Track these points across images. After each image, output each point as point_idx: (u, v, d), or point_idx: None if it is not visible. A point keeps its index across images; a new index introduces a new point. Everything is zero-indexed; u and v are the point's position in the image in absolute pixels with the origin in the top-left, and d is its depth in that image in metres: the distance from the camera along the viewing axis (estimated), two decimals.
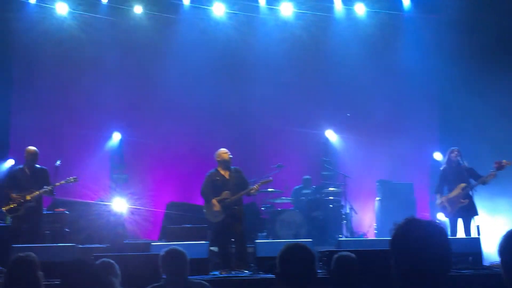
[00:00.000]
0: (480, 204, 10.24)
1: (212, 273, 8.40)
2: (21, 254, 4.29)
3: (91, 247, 10.44)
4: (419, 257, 2.46)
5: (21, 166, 9.73)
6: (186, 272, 5.13)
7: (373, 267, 6.51)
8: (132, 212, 13.00)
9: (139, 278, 6.55)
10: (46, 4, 13.54)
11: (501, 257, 2.67)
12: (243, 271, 8.61)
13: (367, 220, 13.22)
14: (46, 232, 10.31)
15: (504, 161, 9.57)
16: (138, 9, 14.01)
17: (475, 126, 12.21)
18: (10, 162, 12.72)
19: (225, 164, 9.39)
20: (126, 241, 11.43)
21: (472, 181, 9.96)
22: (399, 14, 13.98)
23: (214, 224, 9.41)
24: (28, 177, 9.53)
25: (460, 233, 9.97)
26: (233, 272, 8.55)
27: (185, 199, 13.07)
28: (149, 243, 9.47)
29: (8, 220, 10.04)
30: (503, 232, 2.72)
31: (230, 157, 9.40)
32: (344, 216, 12.46)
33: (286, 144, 13.71)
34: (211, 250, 9.22)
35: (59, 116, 13.69)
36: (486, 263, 8.60)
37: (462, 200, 9.90)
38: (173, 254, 5.10)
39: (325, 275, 7.40)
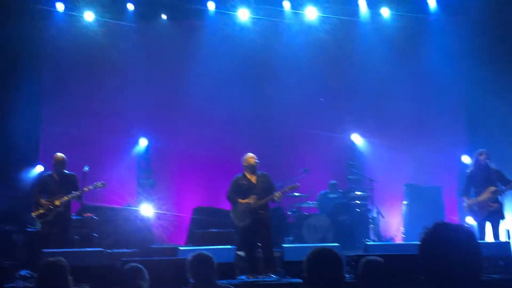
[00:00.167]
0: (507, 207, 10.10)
1: (239, 278, 8.41)
2: (51, 259, 4.34)
3: (119, 251, 10.53)
4: (449, 262, 2.43)
5: (50, 172, 9.84)
6: (214, 277, 5.14)
7: (401, 272, 6.47)
8: (158, 217, 13.08)
9: (167, 282, 6.60)
10: (73, 12, 13.72)
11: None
12: (270, 276, 8.60)
13: (394, 224, 13.10)
14: (75, 237, 10.44)
15: None
16: (163, 16, 14.15)
17: (503, 129, 12.04)
18: (39, 168, 12.90)
19: (252, 168, 9.40)
20: (154, 246, 11.51)
21: (501, 186, 9.81)
22: (424, 16, 13.85)
23: (241, 229, 9.41)
24: (57, 183, 9.64)
25: (489, 237, 9.83)
26: (260, 277, 8.54)
27: (211, 203, 13.10)
28: (176, 248, 9.52)
29: (38, 225, 10.18)
30: None
31: (257, 162, 9.40)
32: (371, 220, 12.38)
33: (311, 148, 13.67)
34: (238, 255, 9.23)
35: (87, 122, 13.85)
36: None
37: (492, 204, 9.76)
38: (201, 259, 5.11)
39: (352, 279, 7.36)
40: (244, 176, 9.44)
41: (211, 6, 13.92)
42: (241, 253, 9.51)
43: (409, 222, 12.46)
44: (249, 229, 9.24)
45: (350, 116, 13.92)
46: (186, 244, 11.80)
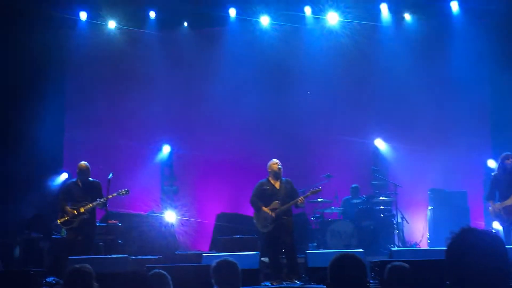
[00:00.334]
0: None
1: (263, 284, 8.41)
2: (77, 266, 4.37)
3: (143, 258, 10.59)
4: (476, 268, 2.40)
5: (74, 180, 9.94)
6: (238, 283, 5.13)
7: (427, 278, 6.41)
8: (182, 223, 13.13)
9: None
10: (96, 21, 13.88)
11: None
12: (294, 282, 8.59)
13: (419, 230, 12.98)
14: (99, 243, 10.52)
15: None
16: (185, 24, 14.26)
17: None
18: (64, 176, 13.04)
19: (275, 174, 9.40)
20: (178, 252, 11.55)
21: None
22: (447, 20, 13.73)
23: (264, 235, 9.41)
24: (81, 190, 9.73)
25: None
26: (284, 283, 8.53)
27: (235, 210, 13.12)
28: (201, 254, 9.54)
29: (63, 232, 10.28)
30: None
31: (280, 168, 9.39)
32: (395, 226, 12.28)
33: (334, 153, 13.62)
34: (262, 261, 9.22)
35: (110, 130, 13.99)
36: None
37: None
38: (225, 265, 5.11)
39: (377, 285, 7.30)
40: (268, 181, 9.45)
41: (232, 12, 13.97)
42: (265, 259, 9.50)
43: (434, 227, 12.35)
44: (272, 235, 9.23)
45: (373, 121, 13.86)
46: (210, 251, 11.82)
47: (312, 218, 12.40)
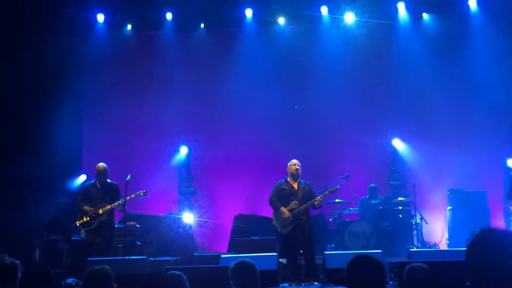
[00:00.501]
0: None
1: (281, 285, 8.40)
2: (96, 267, 4.39)
3: (162, 259, 10.63)
4: (497, 269, 2.38)
5: (93, 181, 10.00)
6: (256, 285, 5.13)
7: (447, 279, 6.36)
8: (200, 225, 13.16)
9: None
10: (113, 23, 13.98)
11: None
12: (312, 283, 8.56)
13: (438, 230, 12.88)
14: (118, 245, 10.57)
15: None
16: (201, 25, 14.31)
17: None
18: (82, 178, 13.13)
19: (293, 175, 9.39)
20: (196, 254, 11.57)
21: None
22: (465, 18, 13.62)
23: (282, 236, 9.39)
24: (100, 191, 9.79)
25: None
26: (302, 284, 8.51)
27: (252, 211, 13.12)
28: (219, 256, 9.55)
29: (82, 234, 10.35)
30: None
31: (297, 169, 9.37)
32: (414, 226, 12.19)
33: (352, 153, 13.58)
34: (280, 262, 9.21)
35: (128, 132, 14.06)
36: None
37: None
38: (243, 266, 5.11)
39: (396, 287, 7.26)
40: (287, 181, 9.44)
41: (248, 13, 13.99)
42: (283, 260, 9.48)
43: (453, 227, 12.25)
44: (290, 236, 9.21)
45: (391, 121, 13.79)
46: (228, 252, 11.83)
47: (330, 219, 12.37)
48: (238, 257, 6.15)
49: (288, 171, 9.46)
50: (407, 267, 5.78)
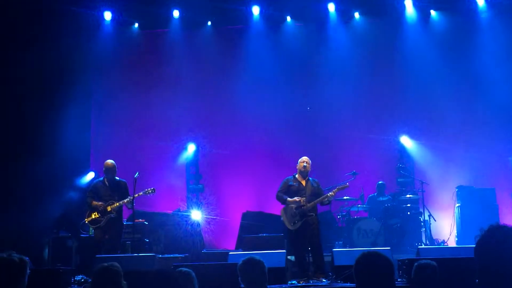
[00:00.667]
0: None
1: (290, 282, 8.39)
2: (105, 264, 4.41)
3: (170, 256, 10.66)
4: (506, 265, 2.37)
5: (101, 178, 10.03)
6: (264, 282, 5.14)
7: (455, 276, 6.34)
8: (208, 222, 13.18)
9: (218, 287, 6.64)
10: (120, 21, 14.01)
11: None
12: (321, 280, 8.55)
13: (446, 227, 12.84)
14: (126, 242, 10.61)
15: None
16: (208, 23, 14.32)
17: None
18: (90, 175, 13.16)
19: (301, 172, 9.40)
20: (204, 251, 11.60)
21: None
22: (473, 15, 13.56)
23: (290, 233, 9.38)
24: (108, 189, 9.81)
25: None
26: (311, 281, 8.50)
27: (260, 208, 13.12)
28: (227, 253, 9.55)
29: (91, 231, 10.38)
30: None
31: (305, 167, 9.37)
32: (422, 224, 12.16)
33: (360, 151, 13.58)
34: (288, 259, 9.21)
35: (135, 129, 14.09)
36: None
37: None
38: (251, 264, 5.11)
39: (405, 284, 7.25)
40: (295, 177, 9.45)
41: (255, 10, 13.97)
42: (291, 257, 9.49)
43: (462, 225, 12.22)
44: (298, 233, 9.21)
45: (398, 118, 13.77)
46: (236, 249, 11.84)
47: (339, 216, 12.36)
48: (246, 254, 6.15)
49: (297, 167, 9.48)
50: (416, 264, 5.77)
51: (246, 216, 12.70)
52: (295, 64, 14.15)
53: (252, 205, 13.48)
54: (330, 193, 9.30)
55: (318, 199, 9.21)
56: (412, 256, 8.86)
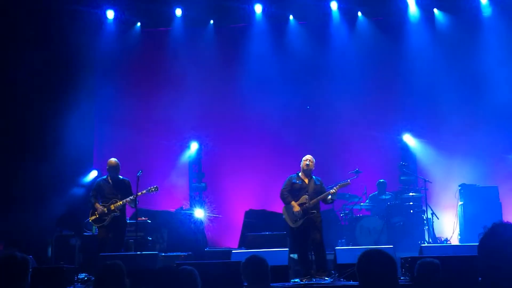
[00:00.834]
0: None
1: (293, 281, 8.40)
2: (108, 262, 4.43)
3: (173, 255, 10.67)
4: (509, 263, 2.37)
5: (105, 177, 10.04)
6: (267, 280, 5.15)
7: (458, 274, 6.34)
8: (211, 220, 13.19)
9: (221, 285, 6.64)
10: (123, 19, 14.03)
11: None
12: (324, 278, 8.56)
13: (449, 226, 12.84)
14: (129, 240, 10.62)
15: None
16: (211, 21, 14.32)
17: None
18: (93, 174, 13.19)
19: (304, 171, 9.40)
20: (207, 249, 11.61)
21: None
22: (476, 14, 13.54)
23: (293, 231, 9.39)
24: (112, 187, 9.83)
25: None
26: (313, 279, 8.51)
27: (263, 206, 13.12)
28: (230, 251, 9.57)
29: (94, 229, 10.40)
30: None
31: (308, 165, 9.38)
32: (425, 222, 12.16)
33: (363, 149, 13.56)
34: (291, 258, 9.21)
35: (138, 128, 14.10)
36: None
37: None
38: (254, 262, 5.13)
39: (408, 282, 7.26)
40: (298, 176, 9.46)
41: (258, 9, 13.96)
42: (294, 255, 9.49)
43: (465, 223, 12.21)
44: (301, 231, 9.22)
45: (401, 116, 13.76)
46: (239, 247, 11.85)
47: (341, 214, 12.36)
48: (249, 252, 6.16)
49: (300, 166, 9.49)
50: (419, 262, 5.78)
51: (249, 214, 12.71)
52: (297, 62, 14.14)
53: (255, 203, 13.48)
54: (331, 190, 9.31)
55: (320, 197, 9.23)
56: (415, 254, 8.85)
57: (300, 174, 9.47)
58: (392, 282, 3.41)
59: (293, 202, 9.22)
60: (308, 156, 9.48)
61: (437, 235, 12.32)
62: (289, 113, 14.04)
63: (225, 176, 14.19)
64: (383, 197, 12.62)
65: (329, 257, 9.28)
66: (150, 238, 11.44)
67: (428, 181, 12.36)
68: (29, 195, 12.01)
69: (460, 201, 12.61)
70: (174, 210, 12.78)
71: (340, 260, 8.59)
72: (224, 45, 14.46)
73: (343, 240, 11.92)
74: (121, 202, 9.63)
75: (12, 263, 4.04)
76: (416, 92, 13.85)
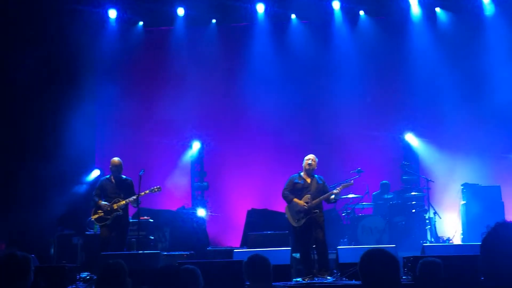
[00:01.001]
0: None
1: (295, 280, 8.40)
2: (110, 261, 4.43)
3: (175, 254, 10.68)
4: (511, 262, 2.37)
5: (107, 176, 10.04)
6: (270, 279, 5.15)
7: (460, 274, 6.33)
8: (213, 219, 13.19)
9: (223, 284, 6.64)
10: (125, 18, 14.03)
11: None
12: (326, 278, 8.56)
13: (452, 225, 12.83)
14: (132, 240, 10.63)
15: None
16: (213, 20, 14.33)
17: None
18: (95, 173, 13.19)
19: (306, 170, 9.39)
20: (209, 248, 11.61)
21: None
22: (479, 13, 13.52)
23: (295, 230, 9.39)
24: (114, 186, 9.82)
25: None
26: (316, 279, 8.51)
27: (265, 205, 13.13)
28: (232, 250, 9.57)
29: (96, 228, 10.41)
30: None
31: (310, 164, 9.36)
32: (427, 221, 12.15)
33: (365, 148, 13.55)
34: (293, 257, 9.21)
35: (140, 127, 14.11)
36: None
37: None
38: (256, 261, 5.13)
39: (410, 281, 7.25)
40: (300, 175, 9.44)
41: (260, 8, 13.96)
42: (296, 255, 9.49)
43: (467, 222, 12.18)
44: (303, 230, 9.21)
45: (404, 116, 13.74)
46: (241, 246, 11.86)
47: (343, 214, 12.35)
48: (252, 251, 6.16)
49: (303, 165, 9.48)
50: (421, 261, 5.78)
51: (251, 213, 12.72)
52: (299, 62, 14.13)
53: (257, 203, 13.49)
54: (335, 190, 9.30)
55: (322, 196, 9.21)
56: (417, 253, 8.84)
57: (302, 173, 9.45)
58: (394, 281, 3.40)
59: (295, 199, 9.21)
60: (311, 156, 9.46)
61: (439, 235, 12.31)
62: (291, 112, 14.03)
63: (227, 175, 14.20)
64: (386, 196, 12.62)
65: (331, 256, 9.28)
66: (152, 237, 11.45)
67: (430, 180, 12.36)
68: (31, 195, 12.02)
69: (463, 200, 12.60)
70: (176, 209, 12.79)
71: (342, 260, 8.58)
72: (226, 44, 14.46)
73: (345, 240, 11.91)
74: (123, 202, 9.63)
75: (13, 262, 4.05)
76: (419, 91, 13.83)
